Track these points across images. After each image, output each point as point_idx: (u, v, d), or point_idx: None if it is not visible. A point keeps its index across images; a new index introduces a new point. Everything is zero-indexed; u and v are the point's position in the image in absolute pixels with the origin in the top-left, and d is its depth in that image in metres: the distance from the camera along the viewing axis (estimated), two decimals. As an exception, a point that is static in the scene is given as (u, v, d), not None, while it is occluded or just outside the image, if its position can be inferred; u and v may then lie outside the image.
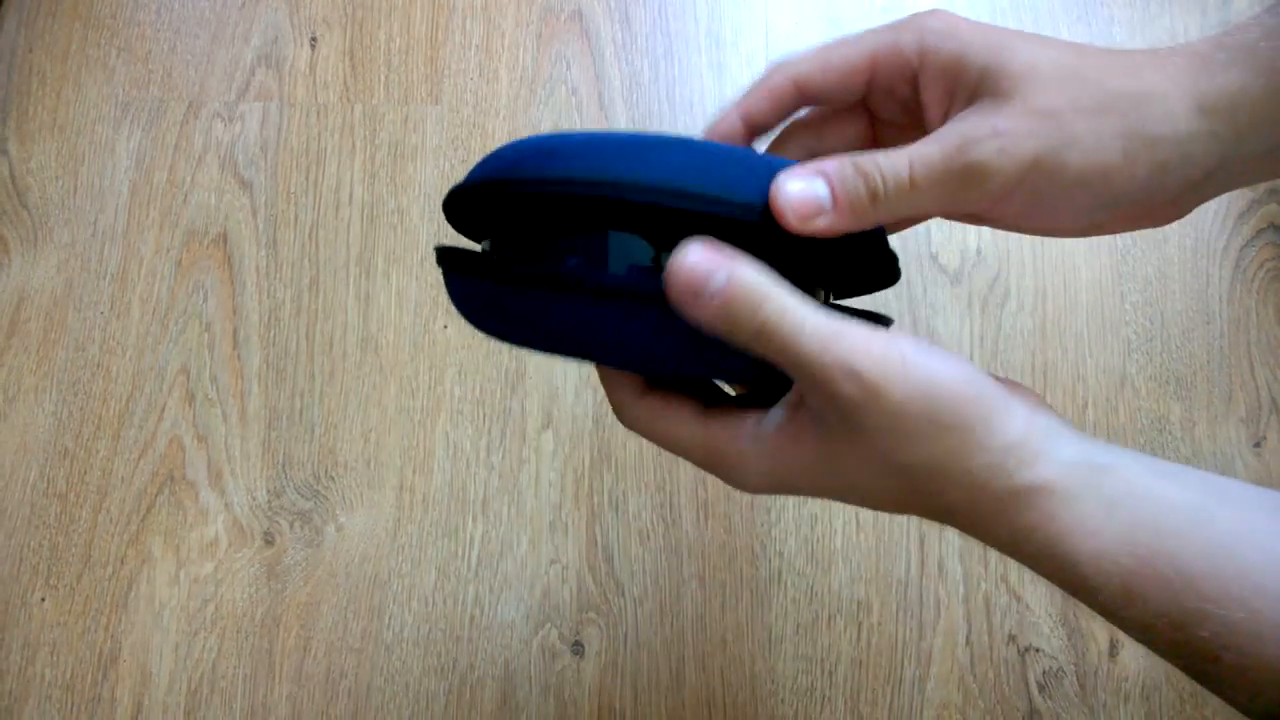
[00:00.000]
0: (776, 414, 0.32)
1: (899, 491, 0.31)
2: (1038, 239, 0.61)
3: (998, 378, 0.32)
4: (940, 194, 0.30)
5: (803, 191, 0.30)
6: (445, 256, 0.30)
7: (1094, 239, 0.61)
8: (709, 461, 0.32)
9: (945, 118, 0.32)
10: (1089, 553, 0.29)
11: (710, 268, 0.27)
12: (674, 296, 0.28)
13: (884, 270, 0.34)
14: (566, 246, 0.30)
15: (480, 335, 0.59)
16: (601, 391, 0.59)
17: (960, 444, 0.30)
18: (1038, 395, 0.33)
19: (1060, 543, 0.29)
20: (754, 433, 0.32)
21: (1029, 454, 0.30)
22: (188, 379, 0.59)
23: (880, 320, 0.33)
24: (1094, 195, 0.31)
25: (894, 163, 0.30)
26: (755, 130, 0.34)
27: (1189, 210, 0.32)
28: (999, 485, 0.30)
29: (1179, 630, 0.28)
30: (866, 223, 0.31)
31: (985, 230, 0.61)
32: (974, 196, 0.30)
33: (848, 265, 0.34)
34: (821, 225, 0.30)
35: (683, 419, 0.32)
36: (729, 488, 0.56)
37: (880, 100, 0.35)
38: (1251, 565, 0.27)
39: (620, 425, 0.35)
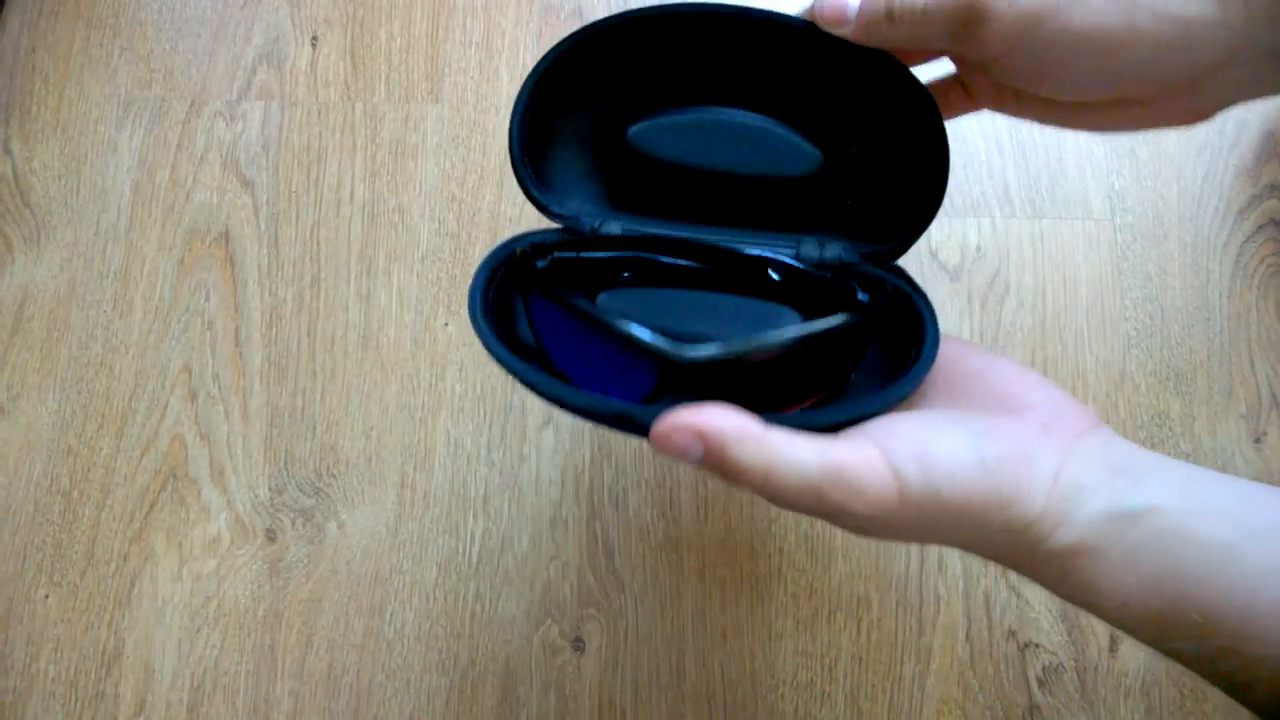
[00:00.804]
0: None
1: (948, 545, 0.32)
2: (1037, 234, 0.61)
3: (1025, 408, 0.32)
4: (945, 27, 0.32)
5: (834, 3, 0.35)
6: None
7: (1094, 235, 0.62)
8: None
9: None
10: (1116, 603, 0.29)
11: (685, 444, 0.28)
12: (665, 455, 0.29)
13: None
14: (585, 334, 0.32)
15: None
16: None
17: (977, 532, 0.31)
18: (1075, 413, 0.33)
19: (1088, 594, 0.30)
20: None
21: (1050, 524, 0.30)
22: (190, 377, 0.59)
23: (880, 289, 0.36)
24: (1095, 63, 0.31)
25: None
26: None
27: (1209, 112, 0.32)
28: (1024, 554, 0.31)
29: (1211, 665, 0.28)
30: (884, 42, 0.34)
31: (985, 227, 0.61)
32: (977, 36, 0.32)
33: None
34: (845, 32, 0.35)
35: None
36: (729, 484, 0.57)
37: None
38: (1277, 602, 0.27)
39: None
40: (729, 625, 0.54)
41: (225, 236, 0.62)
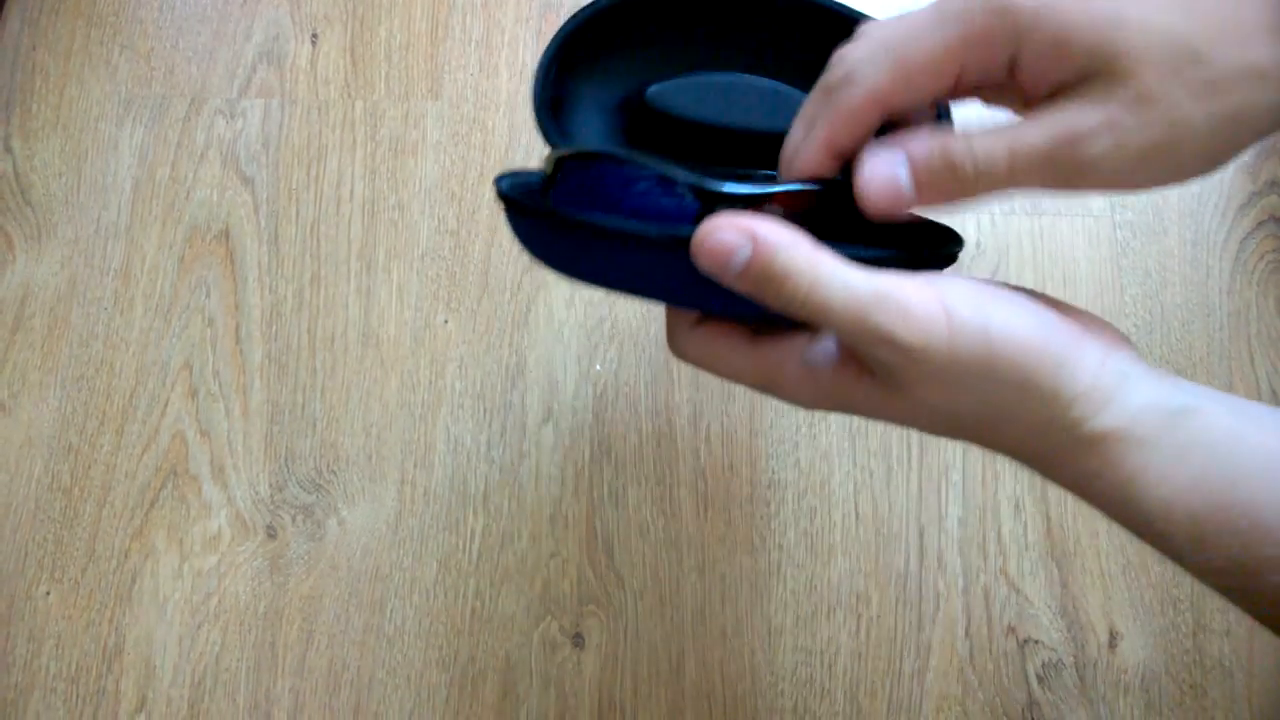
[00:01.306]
0: (829, 346, 0.31)
1: (957, 431, 0.31)
2: (1036, 231, 0.61)
3: (1074, 312, 0.31)
4: (1037, 182, 0.28)
5: (884, 179, 0.29)
6: (504, 197, 0.34)
7: (1094, 232, 0.61)
8: (764, 384, 0.32)
9: (1046, 92, 0.29)
10: (1158, 500, 0.28)
11: (734, 242, 0.27)
12: (704, 267, 0.28)
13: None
14: (617, 190, 0.31)
15: (479, 331, 0.60)
16: (600, 386, 0.59)
17: (1020, 398, 0.29)
18: (1116, 332, 0.32)
19: (1128, 488, 0.29)
20: (806, 355, 0.32)
21: (1097, 402, 0.29)
22: (190, 374, 0.59)
23: (945, 242, 0.34)
24: (1194, 173, 0.29)
25: (990, 151, 0.28)
26: (843, 159, 0.32)
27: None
28: (1064, 434, 0.29)
29: (1252, 577, 0.27)
30: (951, 206, 0.30)
31: (985, 224, 0.61)
32: (1074, 185, 0.28)
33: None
34: (900, 211, 0.29)
35: (733, 345, 0.32)
36: (728, 481, 0.57)
37: (967, 80, 0.31)
38: None
39: (675, 356, 0.34)
40: (728, 622, 0.54)
41: (225, 234, 0.62)
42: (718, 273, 0.28)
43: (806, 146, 0.31)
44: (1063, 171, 0.28)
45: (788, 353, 0.32)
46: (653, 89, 0.43)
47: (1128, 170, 0.28)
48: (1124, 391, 0.29)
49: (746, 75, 0.43)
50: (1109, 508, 0.30)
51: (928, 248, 0.32)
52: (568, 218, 0.31)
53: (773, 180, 0.31)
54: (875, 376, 0.31)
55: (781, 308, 0.28)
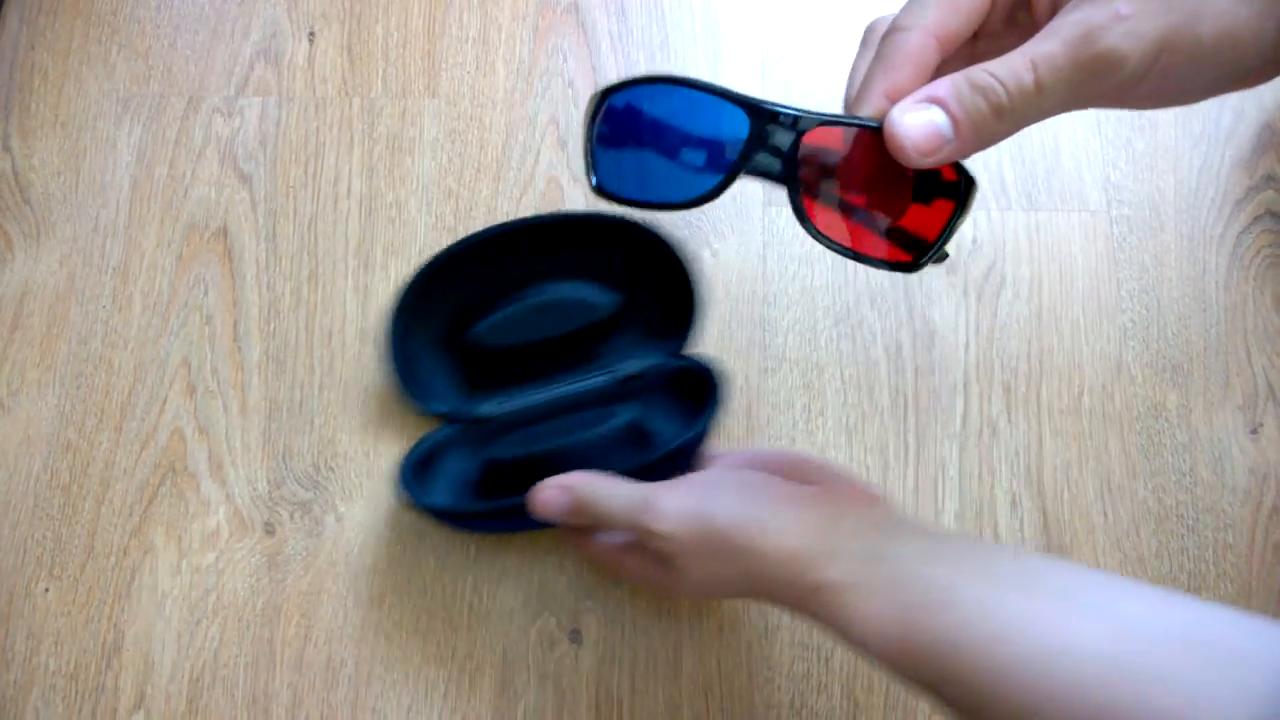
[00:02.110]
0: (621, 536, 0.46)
1: (729, 591, 0.43)
2: (1033, 226, 0.62)
3: (819, 484, 0.42)
4: (1068, 91, 0.28)
5: (922, 126, 0.28)
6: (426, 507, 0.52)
7: (1090, 227, 0.62)
8: (600, 558, 0.49)
9: (1054, 10, 0.29)
10: (873, 634, 0.35)
11: (556, 496, 0.45)
12: (539, 515, 0.46)
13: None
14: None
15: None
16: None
17: (744, 558, 0.38)
18: (866, 494, 0.42)
19: (845, 626, 0.36)
20: (608, 538, 0.47)
21: (808, 560, 0.37)
22: (189, 371, 0.59)
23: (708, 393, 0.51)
24: (1225, 65, 0.28)
25: (1013, 70, 0.28)
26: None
27: None
28: (796, 584, 0.37)
29: (947, 687, 0.32)
30: (992, 141, 0.29)
31: (981, 220, 0.62)
32: (1104, 88, 0.28)
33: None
34: (945, 156, 0.29)
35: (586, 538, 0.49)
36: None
37: (993, 15, 0.32)
38: (984, 637, 0.31)
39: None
40: (725, 617, 0.54)
41: (223, 231, 0.62)
42: (551, 517, 0.45)
43: (866, 96, 0.30)
44: (1089, 72, 0.27)
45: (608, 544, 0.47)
46: (470, 333, 0.54)
47: (1151, 60, 0.27)
48: (835, 545, 0.37)
49: (543, 288, 0.54)
50: (842, 641, 0.37)
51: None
52: (455, 512, 0.52)
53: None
54: (656, 560, 0.42)
55: (590, 522, 0.45)
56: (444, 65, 0.66)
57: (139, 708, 0.53)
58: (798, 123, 0.31)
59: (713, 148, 0.32)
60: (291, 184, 0.63)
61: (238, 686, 0.54)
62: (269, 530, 0.56)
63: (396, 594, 0.55)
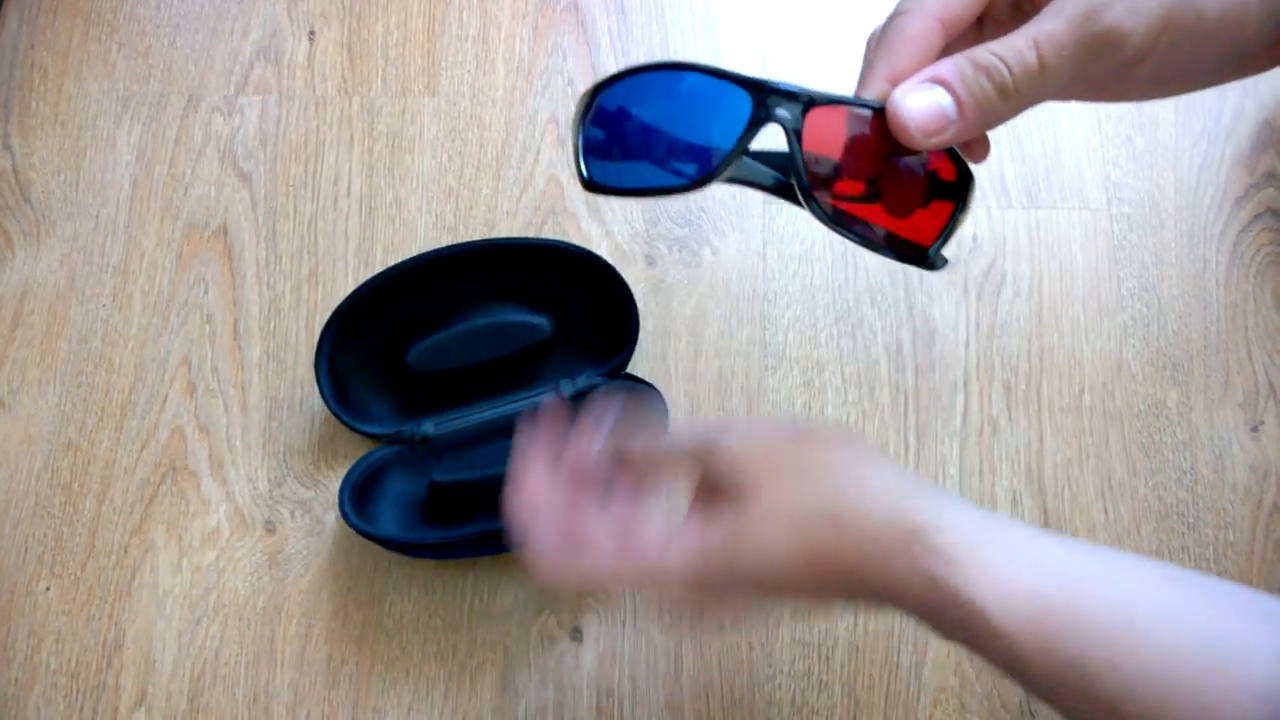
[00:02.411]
0: (664, 521, 0.36)
1: (807, 555, 0.31)
2: (1033, 224, 0.61)
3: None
4: (1072, 71, 0.27)
5: (925, 107, 0.28)
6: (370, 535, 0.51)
7: (1091, 225, 0.62)
8: (636, 567, 0.34)
9: None
10: (997, 599, 0.28)
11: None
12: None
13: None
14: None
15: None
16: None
17: (840, 481, 0.31)
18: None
19: (969, 588, 0.28)
20: (659, 529, 0.35)
21: (909, 499, 0.30)
22: (189, 370, 0.59)
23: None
24: (1228, 43, 0.28)
25: (1015, 49, 0.27)
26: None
27: None
28: (893, 525, 0.30)
29: (1087, 679, 0.27)
30: (996, 122, 0.29)
31: (981, 218, 0.62)
32: (1106, 67, 0.27)
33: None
34: (949, 137, 0.28)
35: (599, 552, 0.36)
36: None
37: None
38: (1140, 616, 0.27)
39: None
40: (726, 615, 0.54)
41: (223, 230, 0.62)
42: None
43: (868, 78, 0.30)
44: (1092, 50, 0.27)
45: (645, 532, 0.35)
46: (410, 356, 0.55)
47: (1154, 38, 0.27)
48: (934, 492, 0.31)
49: (487, 309, 0.55)
50: (948, 614, 0.29)
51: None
52: (402, 544, 0.52)
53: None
54: (725, 501, 0.33)
55: (648, 463, 0.37)
56: (444, 64, 0.66)
57: (140, 706, 0.53)
58: (799, 99, 0.30)
59: (714, 128, 0.32)
60: (291, 183, 0.63)
61: (239, 685, 0.54)
62: (270, 529, 0.56)
63: (397, 592, 0.55)
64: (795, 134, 0.30)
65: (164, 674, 0.54)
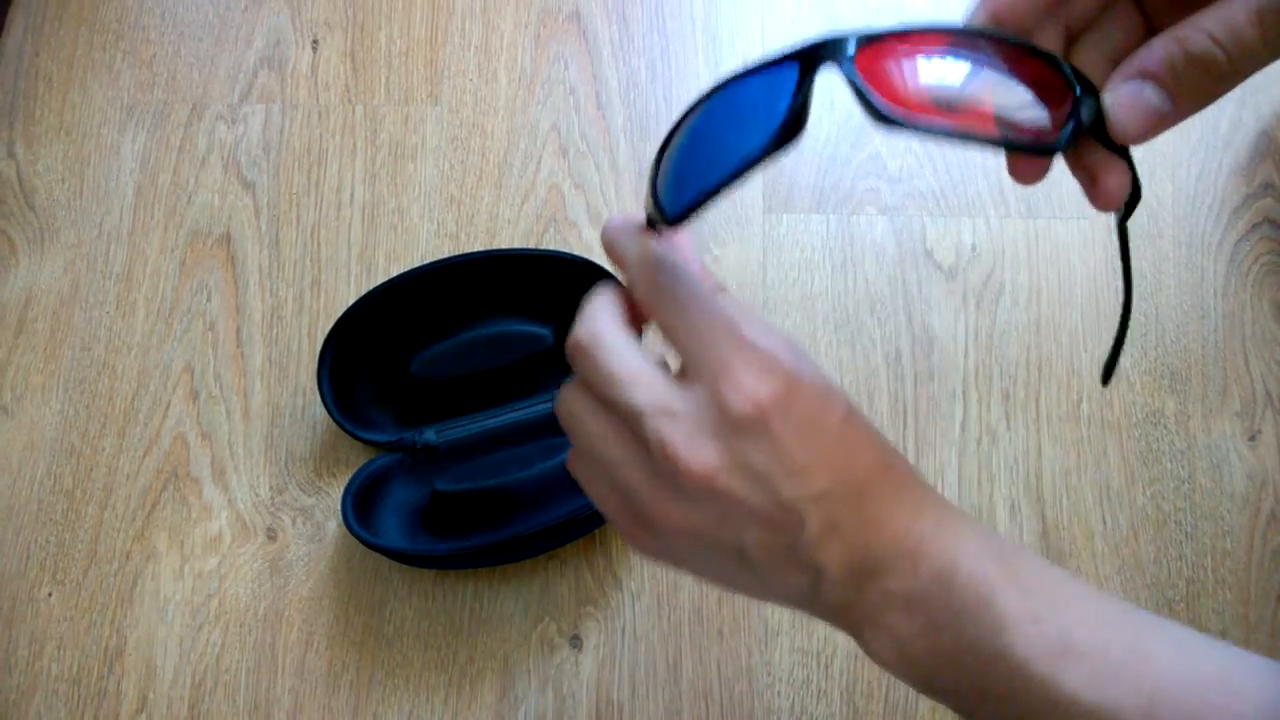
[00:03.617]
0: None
1: (818, 495, 0.29)
2: (1032, 234, 0.62)
3: None
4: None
5: (1139, 108, 0.26)
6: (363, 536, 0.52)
7: (1089, 235, 0.62)
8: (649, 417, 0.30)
9: None
10: (899, 626, 0.31)
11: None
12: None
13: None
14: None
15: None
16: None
17: (849, 436, 0.30)
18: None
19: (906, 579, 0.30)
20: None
21: (897, 467, 0.31)
22: (192, 377, 0.60)
23: None
24: None
25: (1234, 28, 0.25)
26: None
27: None
28: (927, 512, 0.30)
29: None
30: (1211, 101, 0.27)
31: (980, 226, 0.62)
32: None
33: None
34: (1165, 127, 0.27)
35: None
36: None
37: None
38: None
39: None
40: (726, 622, 0.54)
41: (227, 238, 0.63)
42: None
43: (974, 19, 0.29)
44: None
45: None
46: (414, 364, 0.56)
47: None
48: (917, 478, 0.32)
49: (489, 320, 0.56)
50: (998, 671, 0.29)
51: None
52: (407, 554, 0.52)
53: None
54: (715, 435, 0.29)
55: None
56: (446, 73, 0.66)
57: (141, 712, 0.53)
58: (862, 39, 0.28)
59: (767, 102, 0.30)
60: (294, 190, 0.64)
61: (240, 691, 0.54)
62: (271, 536, 0.57)
63: (398, 599, 0.55)
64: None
65: (165, 680, 0.54)
